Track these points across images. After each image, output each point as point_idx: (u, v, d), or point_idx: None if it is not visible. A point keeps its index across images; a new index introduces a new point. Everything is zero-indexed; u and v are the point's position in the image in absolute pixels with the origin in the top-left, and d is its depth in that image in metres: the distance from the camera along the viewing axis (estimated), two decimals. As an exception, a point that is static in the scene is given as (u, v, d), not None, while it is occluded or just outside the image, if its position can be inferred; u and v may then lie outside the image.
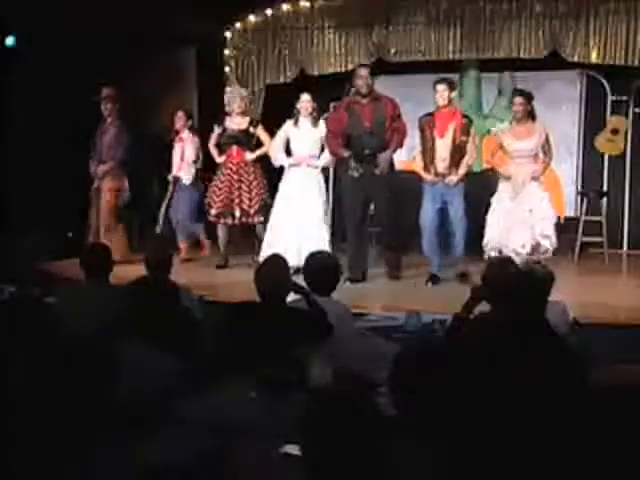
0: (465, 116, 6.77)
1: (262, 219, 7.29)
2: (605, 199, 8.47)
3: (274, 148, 7.23)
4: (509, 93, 8.77)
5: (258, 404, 2.79)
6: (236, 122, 7.47)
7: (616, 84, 8.55)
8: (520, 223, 6.50)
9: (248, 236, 7.76)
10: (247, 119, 7.49)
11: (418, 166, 6.83)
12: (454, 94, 6.76)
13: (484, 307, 3.74)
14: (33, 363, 2.62)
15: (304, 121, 7.06)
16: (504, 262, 4.16)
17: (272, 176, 7.45)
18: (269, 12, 8.88)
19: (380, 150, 6.60)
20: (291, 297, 3.99)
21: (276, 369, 2.95)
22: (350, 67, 8.68)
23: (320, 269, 4.31)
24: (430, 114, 6.69)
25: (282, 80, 8.76)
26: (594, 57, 7.94)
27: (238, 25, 9.03)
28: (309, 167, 7.07)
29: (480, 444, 2.25)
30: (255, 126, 7.44)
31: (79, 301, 4.29)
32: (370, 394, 2.63)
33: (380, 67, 8.70)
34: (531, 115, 6.60)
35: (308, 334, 3.52)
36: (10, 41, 7.78)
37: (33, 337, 2.98)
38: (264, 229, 7.22)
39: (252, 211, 7.33)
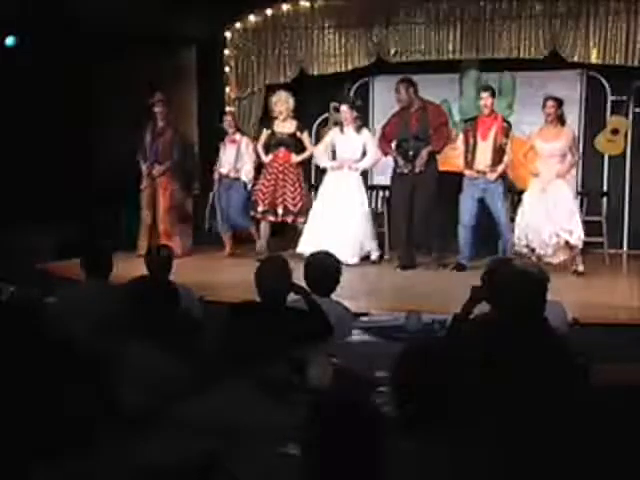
0: (505, 120, 7.45)
1: (303, 220, 7.77)
2: (605, 199, 8.47)
3: (320, 151, 7.92)
4: (509, 93, 8.80)
5: (258, 404, 2.79)
6: (283, 126, 7.91)
7: (616, 84, 8.54)
8: (545, 218, 6.85)
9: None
10: (294, 124, 7.93)
11: (460, 165, 7.47)
12: (495, 101, 7.44)
13: (484, 307, 3.75)
14: (33, 363, 2.62)
15: (348, 129, 7.68)
16: (503, 262, 4.17)
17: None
18: (269, 12, 8.87)
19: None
20: (291, 297, 4.00)
21: (276, 369, 2.95)
22: (350, 67, 8.70)
23: (320, 269, 4.31)
24: (472, 119, 7.57)
25: (282, 80, 8.74)
26: (594, 57, 7.94)
27: (238, 25, 9.02)
28: (350, 170, 7.67)
29: (480, 444, 2.25)
30: (302, 131, 7.93)
31: (79, 301, 4.29)
32: (370, 394, 2.64)
33: (380, 67, 8.73)
34: (561, 119, 6.99)
35: (308, 334, 3.51)
36: (10, 41, 7.77)
37: (33, 337, 2.98)
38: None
39: (295, 210, 7.83)
